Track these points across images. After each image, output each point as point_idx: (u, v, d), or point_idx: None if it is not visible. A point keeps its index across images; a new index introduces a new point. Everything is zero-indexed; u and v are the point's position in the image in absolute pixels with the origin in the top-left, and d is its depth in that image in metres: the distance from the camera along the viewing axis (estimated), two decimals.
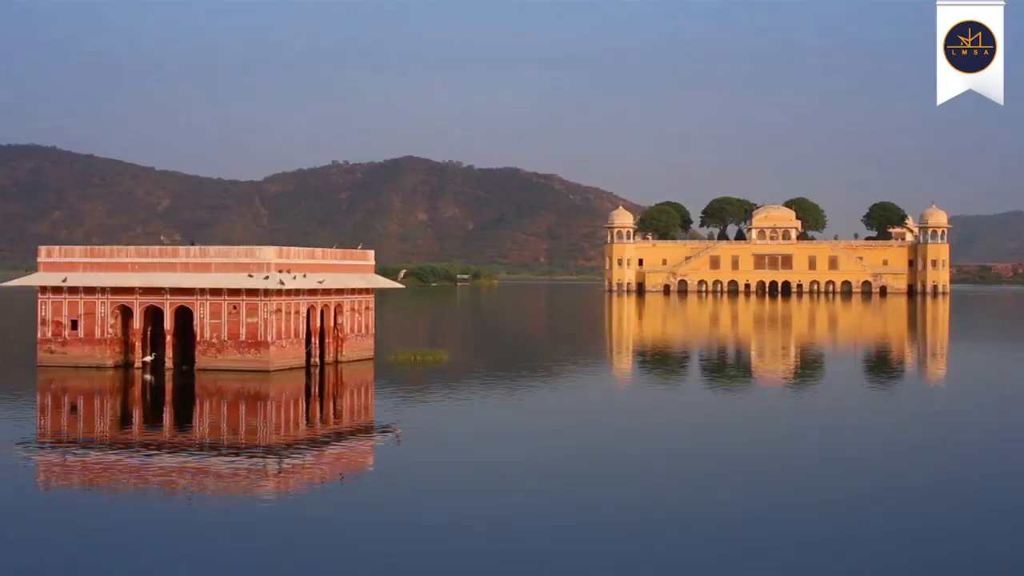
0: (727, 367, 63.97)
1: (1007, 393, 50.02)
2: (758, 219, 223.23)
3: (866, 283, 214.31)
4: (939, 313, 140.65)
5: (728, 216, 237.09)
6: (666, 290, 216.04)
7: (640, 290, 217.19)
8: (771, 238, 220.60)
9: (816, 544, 21.35)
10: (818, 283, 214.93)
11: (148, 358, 52.39)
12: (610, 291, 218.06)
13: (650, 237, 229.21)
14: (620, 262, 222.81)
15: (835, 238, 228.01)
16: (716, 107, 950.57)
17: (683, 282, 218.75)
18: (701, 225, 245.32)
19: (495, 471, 28.58)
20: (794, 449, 33.07)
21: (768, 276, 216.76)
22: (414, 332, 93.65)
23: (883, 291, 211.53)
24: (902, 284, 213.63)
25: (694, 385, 53.40)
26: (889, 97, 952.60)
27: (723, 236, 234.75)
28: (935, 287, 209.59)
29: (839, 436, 35.33)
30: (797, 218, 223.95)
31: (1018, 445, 34.55)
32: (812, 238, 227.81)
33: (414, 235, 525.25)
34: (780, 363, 65.37)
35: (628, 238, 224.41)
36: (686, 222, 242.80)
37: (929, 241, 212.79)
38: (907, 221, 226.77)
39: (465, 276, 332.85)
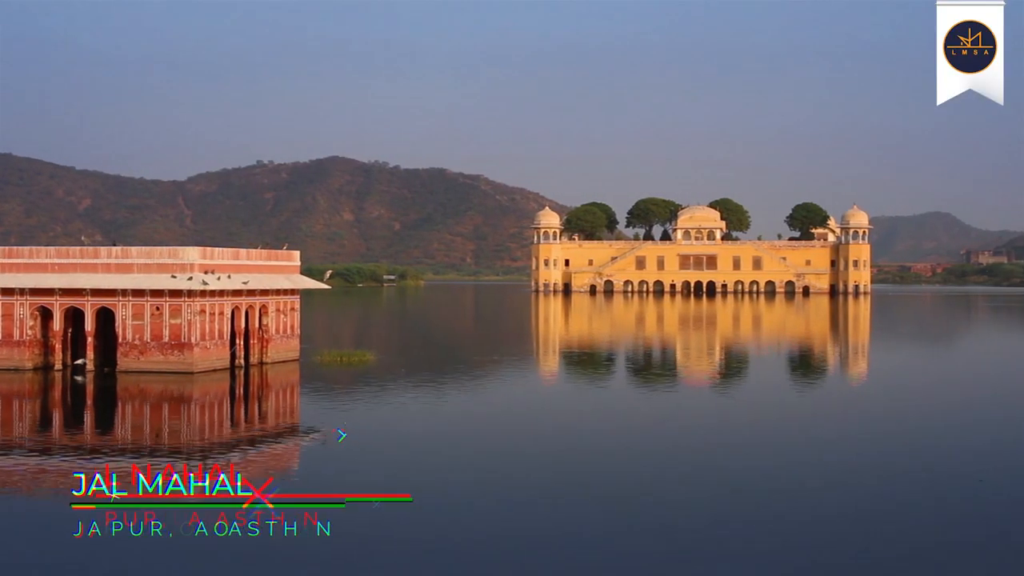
0: (652, 366, 64.34)
1: (925, 388, 50.91)
2: (683, 220, 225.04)
3: (789, 283, 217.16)
4: (860, 312, 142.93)
5: (654, 217, 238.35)
6: (592, 290, 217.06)
7: (566, 290, 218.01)
8: (696, 239, 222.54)
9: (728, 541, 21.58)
10: (742, 283, 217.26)
11: (79, 361, 51.53)
12: (536, 291, 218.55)
13: (576, 238, 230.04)
14: (546, 262, 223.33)
15: (759, 238, 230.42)
16: (642, 108, 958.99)
17: (609, 282, 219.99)
18: (627, 226, 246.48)
19: (423, 472, 28.46)
20: (719, 447, 33.37)
21: (693, 276, 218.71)
22: (340, 333, 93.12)
23: (806, 291, 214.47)
24: (824, 284, 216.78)
25: (619, 383, 53.59)
26: (824, 98, 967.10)
27: (648, 237, 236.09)
28: (856, 287, 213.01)
29: (765, 432, 35.74)
30: (722, 219, 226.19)
31: (937, 439, 35.16)
32: (736, 238, 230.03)
33: (340, 235, 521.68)
34: (705, 362, 65.94)
35: (554, 238, 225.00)
36: (612, 223, 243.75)
37: (851, 241, 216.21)
38: (829, 222, 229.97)
39: (391, 276, 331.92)
